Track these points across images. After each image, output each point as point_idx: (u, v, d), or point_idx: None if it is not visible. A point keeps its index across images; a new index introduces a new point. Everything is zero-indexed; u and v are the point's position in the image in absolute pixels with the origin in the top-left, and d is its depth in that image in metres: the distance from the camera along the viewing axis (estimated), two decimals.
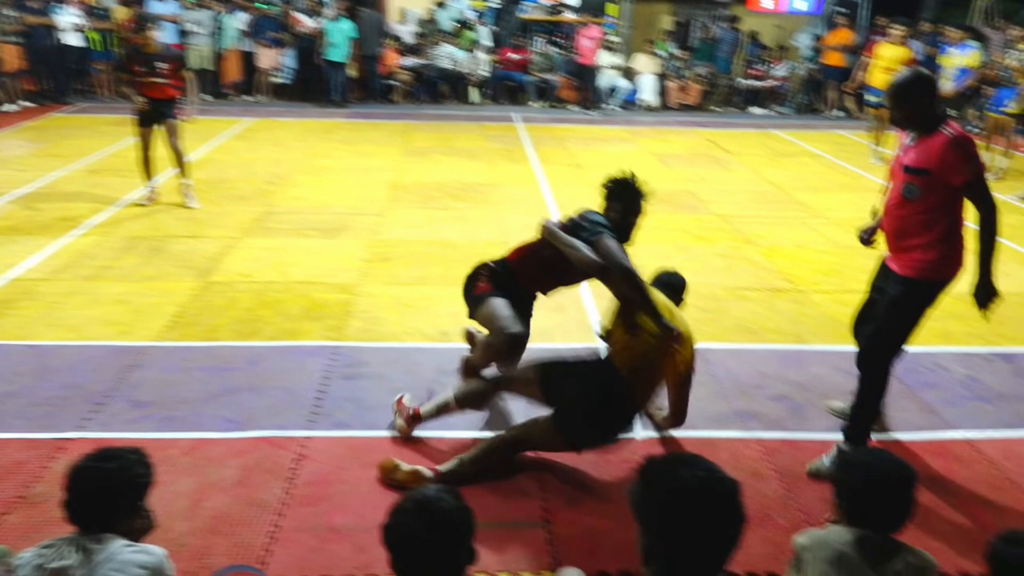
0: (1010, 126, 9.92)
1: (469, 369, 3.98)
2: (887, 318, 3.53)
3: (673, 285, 3.84)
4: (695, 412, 3.81)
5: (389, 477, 3.39)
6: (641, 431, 3.90)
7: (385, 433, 3.80)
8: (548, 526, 3.18)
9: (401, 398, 3.88)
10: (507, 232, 6.99)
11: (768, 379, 4.49)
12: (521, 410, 3.84)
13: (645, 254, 6.54)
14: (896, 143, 3.63)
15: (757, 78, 15.57)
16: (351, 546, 3.02)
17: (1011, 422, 4.13)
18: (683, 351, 3.49)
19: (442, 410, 3.72)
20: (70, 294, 5.33)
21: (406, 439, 3.74)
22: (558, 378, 3.46)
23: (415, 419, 3.75)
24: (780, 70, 15.53)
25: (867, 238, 3.86)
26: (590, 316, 5.21)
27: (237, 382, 4.24)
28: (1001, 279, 3.43)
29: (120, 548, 2.07)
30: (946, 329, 5.10)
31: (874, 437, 3.87)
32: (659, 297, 3.52)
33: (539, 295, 3.98)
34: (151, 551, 2.12)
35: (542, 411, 3.49)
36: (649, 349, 3.36)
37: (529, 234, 6.79)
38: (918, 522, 2.63)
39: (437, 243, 6.66)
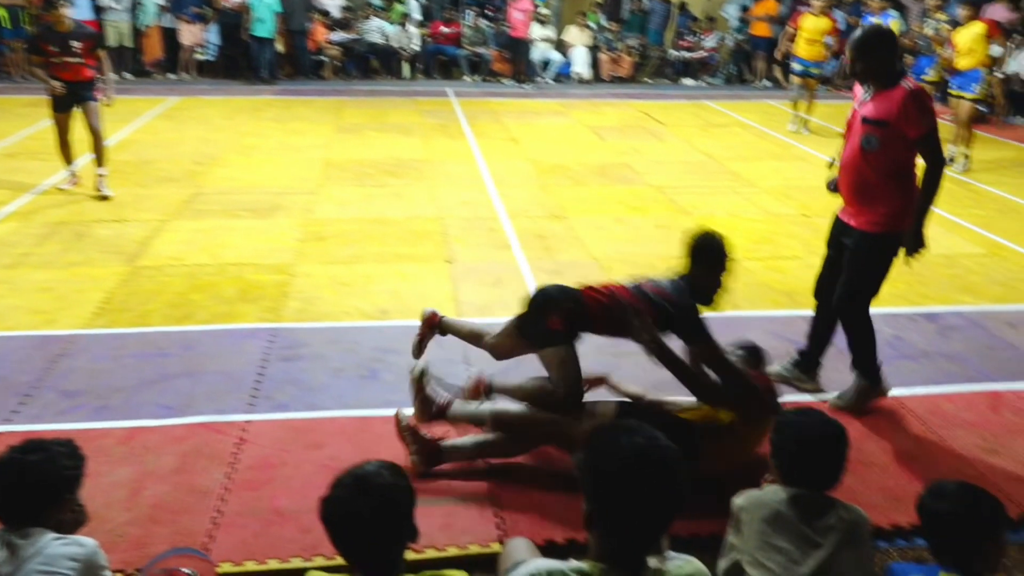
0: (930, 94, 10.22)
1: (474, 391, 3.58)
2: (857, 274, 3.68)
3: (755, 357, 3.56)
4: (629, 378, 3.81)
5: (400, 434, 3.33)
6: None
7: (327, 414, 3.76)
8: (496, 499, 3.20)
9: (423, 376, 3.47)
10: (444, 208, 6.96)
11: None
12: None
13: (583, 227, 6.60)
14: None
15: (688, 49, 15.73)
16: (296, 528, 2.99)
17: (936, 379, 4.30)
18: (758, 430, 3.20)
19: (474, 421, 3.39)
20: None
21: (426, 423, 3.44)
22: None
23: (440, 413, 3.42)
24: (710, 41, 15.72)
25: (834, 187, 3.92)
26: (529, 287, 5.22)
27: (172, 368, 4.14)
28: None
29: (49, 542, 2.01)
30: None
31: (808, 398, 3.99)
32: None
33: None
34: (82, 542, 2.06)
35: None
36: (742, 435, 3.17)
37: (468, 211, 6.74)
38: (850, 478, 2.72)
39: (373, 220, 6.58)
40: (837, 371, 4.22)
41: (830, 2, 11.08)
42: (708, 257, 3.34)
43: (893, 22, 10.71)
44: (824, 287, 3.94)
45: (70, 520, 2.16)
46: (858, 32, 3.59)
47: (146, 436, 3.54)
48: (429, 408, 3.42)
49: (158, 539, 2.90)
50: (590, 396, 3.43)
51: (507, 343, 3.51)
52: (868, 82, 3.57)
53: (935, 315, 5.11)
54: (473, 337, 3.73)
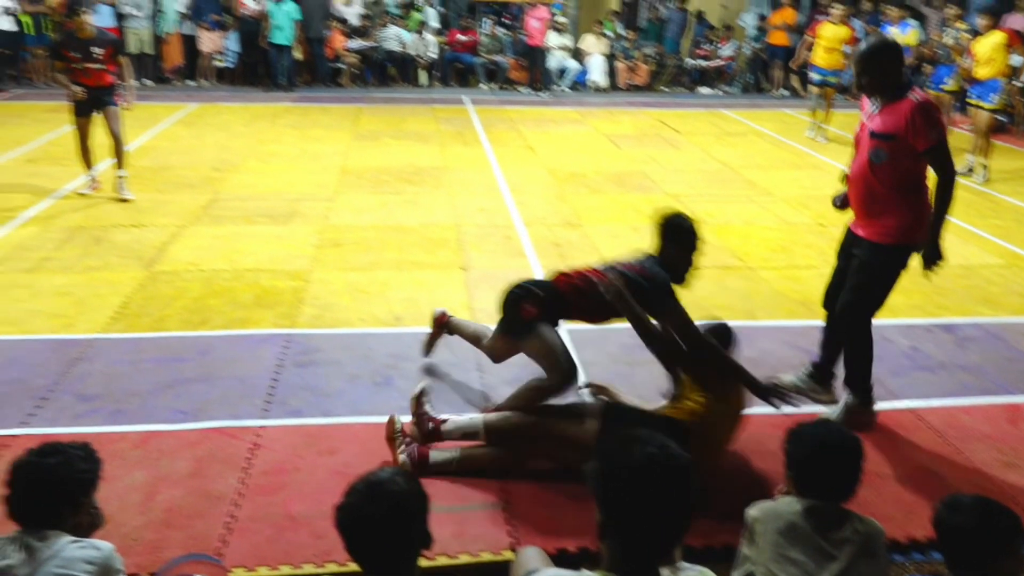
0: (949, 103, 10.17)
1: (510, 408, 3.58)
2: (861, 285, 3.64)
3: (726, 336, 3.56)
4: (648, 388, 3.84)
5: (389, 437, 3.36)
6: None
7: (341, 420, 3.77)
8: (508, 507, 3.19)
9: (421, 396, 3.51)
10: (461, 215, 6.97)
11: None
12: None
13: (599, 235, 6.59)
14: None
15: (704, 58, 15.71)
16: (309, 534, 2.99)
17: (953, 391, 4.26)
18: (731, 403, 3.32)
19: (468, 436, 3.41)
20: (9, 287, 5.16)
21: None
22: (620, 425, 3.05)
23: (434, 434, 3.43)
24: (726, 50, 15.70)
25: (841, 203, 3.93)
26: None
27: (188, 373, 4.16)
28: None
29: (65, 544, 2.03)
30: (889, 302, 5.14)
31: (823, 409, 3.96)
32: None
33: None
34: (99, 546, 2.08)
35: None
36: (718, 415, 3.21)
37: (484, 218, 6.76)
38: (866, 490, 2.70)
39: (389, 227, 6.61)
40: None
41: (849, 11, 11.05)
42: (678, 236, 3.50)
43: (912, 31, 10.68)
44: (832, 297, 3.91)
45: (86, 523, 2.17)
46: (863, 45, 3.56)
47: (161, 440, 3.56)
48: (425, 425, 3.45)
49: (172, 543, 2.92)
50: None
51: (498, 344, 3.70)
52: (875, 95, 3.55)
53: (953, 326, 5.06)
54: (475, 339, 3.95)
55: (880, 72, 3.46)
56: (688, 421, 3.16)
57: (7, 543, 2.02)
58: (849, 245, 3.79)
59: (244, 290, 5.23)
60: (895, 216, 3.52)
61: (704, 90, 15.54)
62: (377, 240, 6.28)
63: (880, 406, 4.05)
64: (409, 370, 4.23)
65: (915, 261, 3.62)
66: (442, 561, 2.86)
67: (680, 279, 3.51)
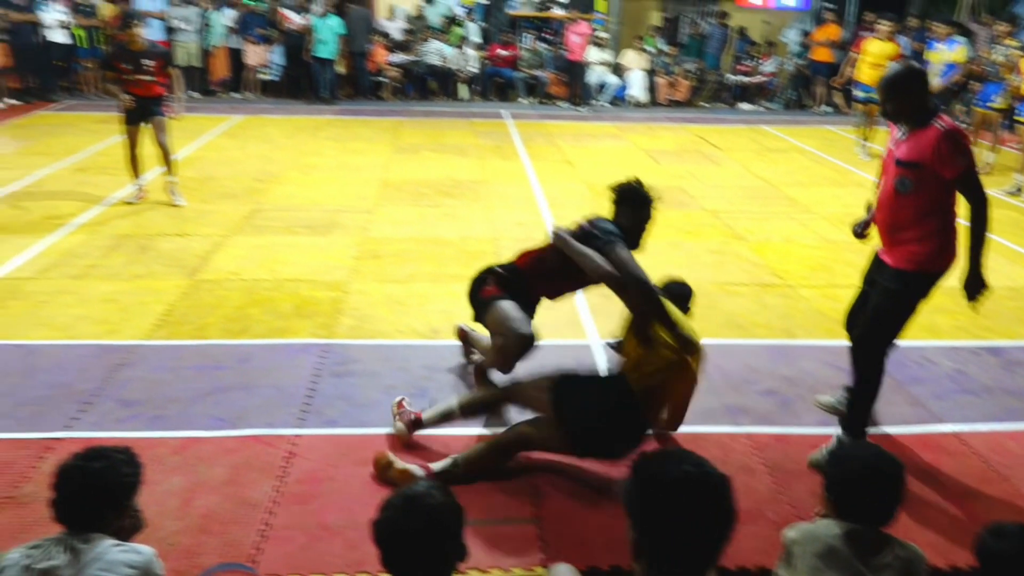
0: (997, 121, 9.97)
1: (480, 374, 4.04)
2: (880, 310, 3.56)
3: (681, 295, 3.75)
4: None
5: (382, 474, 3.39)
6: None
7: (376, 431, 3.79)
8: (539, 522, 3.18)
9: (401, 401, 3.78)
10: (498, 229, 6.99)
11: (758, 374, 4.51)
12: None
13: (638, 251, 6.56)
14: (886, 138, 3.64)
15: (745, 74, 15.61)
16: (342, 544, 3.01)
17: (998, 415, 4.16)
18: (694, 362, 3.45)
19: (445, 418, 3.65)
20: (57, 293, 5.29)
21: (405, 444, 3.69)
22: (570, 392, 3.34)
23: (416, 424, 3.67)
24: (768, 66, 15.58)
25: (860, 231, 3.88)
26: (579, 311, 5.21)
27: (227, 380, 4.22)
28: (989, 273, 3.46)
29: (108, 548, 2.06)
30: (934, 323, 5.13)
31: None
32: (670, 308, 3.45)
33: (545, 300, 3.98)
34: (140, 550, 2.11)
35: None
36: (663, 363, 3.31)
37: (521, 232, 6.79)
38: (907, 515, 2.64)
39: (428, 240, 6.65)
40: (891, 404, 4.11)
41: (896, 27, 10.91)
42: (631, 201, 3.69)
43: (959, 48, 10.49)
44: (854, 320, 3.83)
45: (128, 526, 2.21)
46: (888, 71, 3.47)
47: (199, 447, 3.62)
48: (408, 417, 3.69)
49: (208, 549, 2.95)
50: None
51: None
52: (900, 121, 3.47)
53: (999, 349, 4.94)
54: (484, 353, 4.17)
55: (905, 98, 3.37)
56: (638, 379, 3.31)
57: (53, 544, 2.06)
58: (875, 271, 3.70)
59: (284, 300, 5.30)
60: (920, 243, 3.42)
61: (745, 106, 15.43)
62: (415, 252, 6.32)
63: (923, 429, 3.97)
64: (444, 382, 4.24)
65: (949, 281, 3.53)
66: (473, 575, 2.86)
67: (634, 243, 3.64)
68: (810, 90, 15.45)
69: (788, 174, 9.63)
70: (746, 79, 15.58)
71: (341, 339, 4.76)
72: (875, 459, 2.33)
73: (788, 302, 5.59)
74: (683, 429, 3.84)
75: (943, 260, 3.46)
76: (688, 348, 3.33)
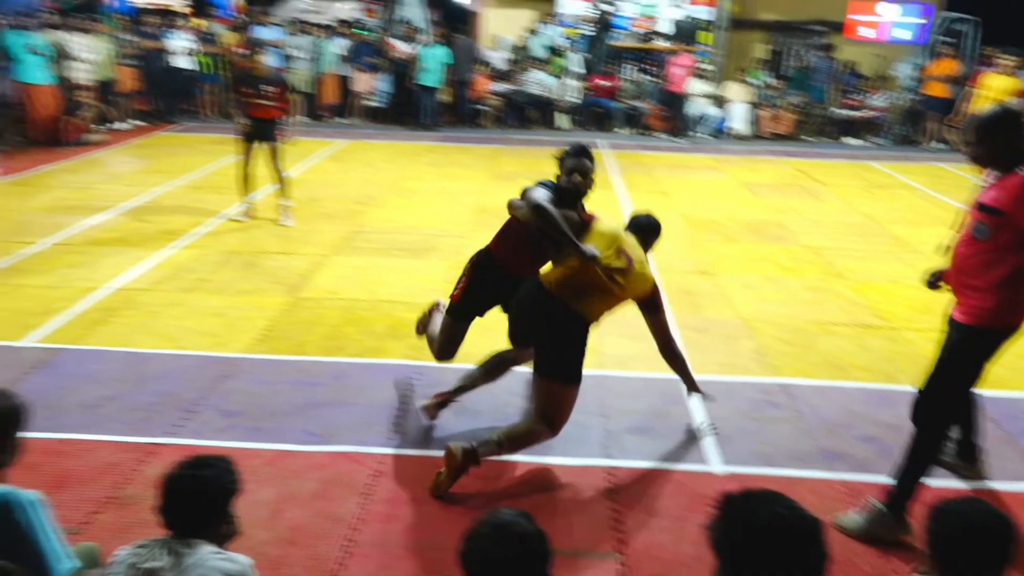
0: None
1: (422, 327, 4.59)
2: (941, 367, 3.32)
3: (644, 226, 3.94)
4: (777, 449, 3.70)
5: (436, 487, 3.50)
6: (719, 466, 3.82)
7: None
8: (621, 557, 3.14)
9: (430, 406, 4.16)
10: None
11: (856, 418, 4.33)
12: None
13: (731, 285, 6.44)
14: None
15: (852, 108, 15.17)
16: (421, 565, 3.04)
17: None
18: (630, 281, 3.63)
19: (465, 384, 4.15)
20: (169, 304, 5.57)
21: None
22: (512, 322, 3.85)
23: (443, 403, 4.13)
24: (877, 100, 15.10)
25: (933, 281, 3.64)
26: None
27: (322, 397, 4.35)
28: None
29: (208, 555, 2.14)
30: None
31: (969, 485, 3.68)
32: (605, 229, 3.65)
33: (523, 276, 3.98)
34: (237, 560, 2.18)
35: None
36: (585, 274, 3.52)
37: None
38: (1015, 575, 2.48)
39: None
40: (1002, 458, 3.88)
41: (1019, 62, 10.43)
42: (564, 158, 3.80)
43: None
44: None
45: (226, 532, 2.30)
46: (983, 113, 3.23)
47: (291, 460, 3.73)
48: (437, 400, 4.15)
49: (294, 561, 3.03)
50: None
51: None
52: (986, 166, 3.23)
53: None
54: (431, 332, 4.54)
55: (997, 143, 3.13)
56: (551, 281, 3.57)
57: (157, 546, 2.16)
58: (949, 321, 3.46)
59: (379, 320, 5.43)
60: (986, 296, 3.16)
61: (851, 140, 14.99)
62: None
63: None
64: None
65: None
66: None
67: (571, 203, 3.73)
68: (921, 126, 14.88)
69: (894, 211, 9.28)
70: (853, 113, 15.15)
71: (432, 362, 4.81)
72: (983, 515, 2.20)
73: (891, 345, 5.37)
74: (774, 471, 3.73)
75: (1011, 316, 3.19)
76: (585, 259, 3.47)
